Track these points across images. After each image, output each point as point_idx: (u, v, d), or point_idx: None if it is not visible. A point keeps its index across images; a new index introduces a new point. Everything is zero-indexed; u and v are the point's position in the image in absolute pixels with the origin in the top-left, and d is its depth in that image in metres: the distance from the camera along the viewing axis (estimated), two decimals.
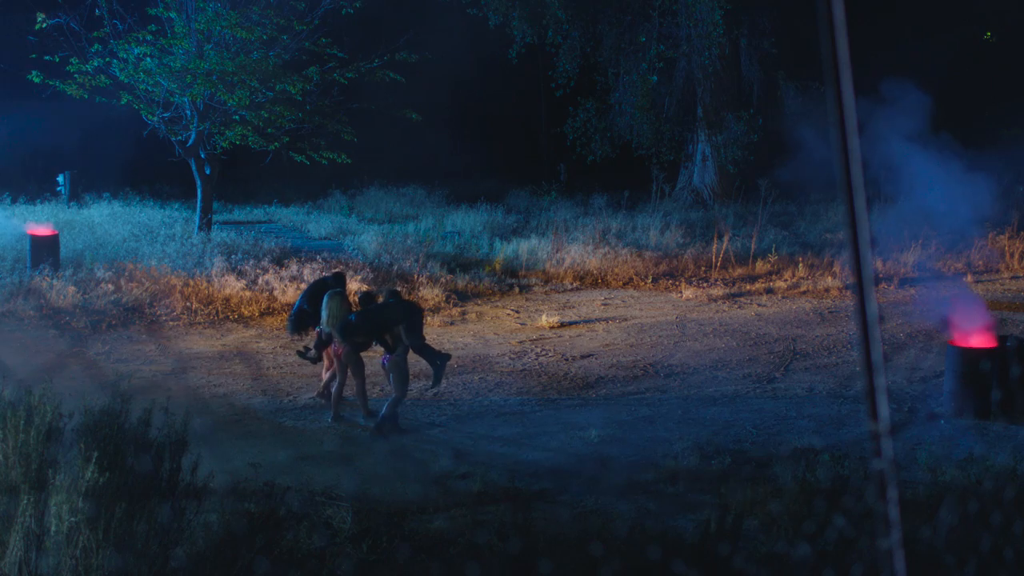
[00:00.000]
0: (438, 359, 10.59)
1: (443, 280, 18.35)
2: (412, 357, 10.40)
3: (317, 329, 11.10)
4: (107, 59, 19.01)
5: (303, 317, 11.32)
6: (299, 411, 10.85)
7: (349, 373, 10.61)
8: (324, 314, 10.68)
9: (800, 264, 19.88)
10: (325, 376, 11.20)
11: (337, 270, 13.51)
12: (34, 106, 22.80)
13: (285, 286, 16.81)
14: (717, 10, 25.84)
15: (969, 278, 19.07)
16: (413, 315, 10.34)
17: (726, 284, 18.91)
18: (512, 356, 13.51)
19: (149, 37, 18.93)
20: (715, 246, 20.68)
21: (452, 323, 15.93)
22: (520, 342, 14.43)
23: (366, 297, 10.85)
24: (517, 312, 16.61)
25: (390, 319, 10.19)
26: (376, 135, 24.33)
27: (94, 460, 5.48)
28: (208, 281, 16.65)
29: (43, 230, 17.95)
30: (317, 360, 11.10)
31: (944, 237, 19.78)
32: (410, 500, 7.96)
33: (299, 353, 11.18)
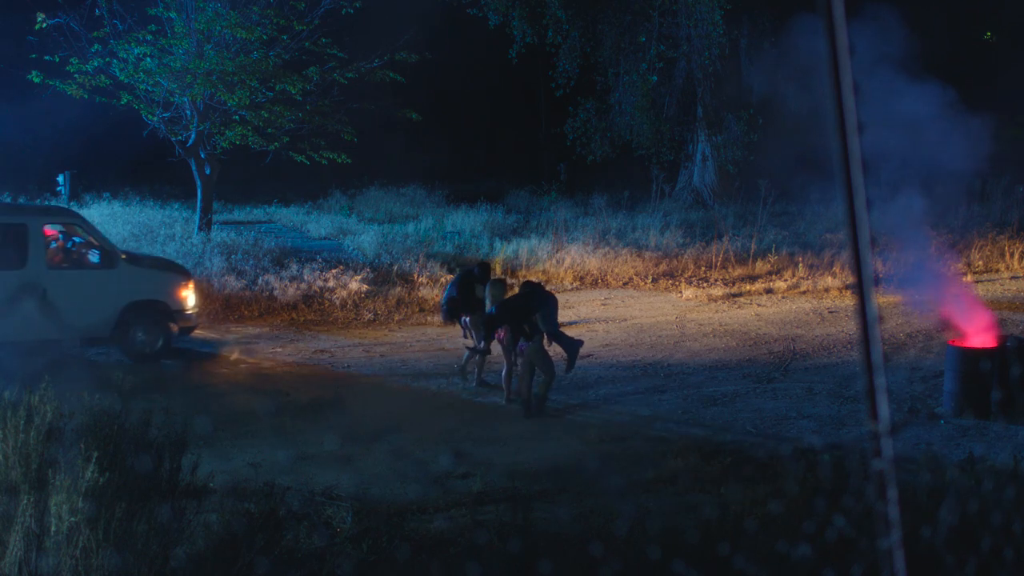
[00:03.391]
0: (572, 345, 11.14)
1: (443, 280, 18.34)
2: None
3: (463, 321, 12.05)
4: (107, 59, 18.99)
5: (454, 306, 12.13)
6: (299, 411, 10.86)
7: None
8: (487, 300, 11.36)
9: (800, 264, 19.87)
10: (469, 364, 12.07)
11: (483, 260, 14.17)
12: (34, 106, 22.77)
13: (285, 286, 16.81)
14: (717, 10, 25.82)
15: (969, 278, 19.06)
16: (549, 304, 10.99)
17: (726, 284, 18.91)
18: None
19: (149, 37, 18.91)
20: (715, 246, 20.68)
21: None
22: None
23: (527, 285, 11.65)
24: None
25: (528, 308, 10.80)
26: (376, 135, 24.31)
27: (94, 460, 5.48)
28: (208, 281, 16.65)
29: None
30: (487, 350, 11.63)
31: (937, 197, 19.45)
32: (410, 500, 7.96)
33: (470, 348, 11.85)
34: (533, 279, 14.03)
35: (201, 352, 14.03)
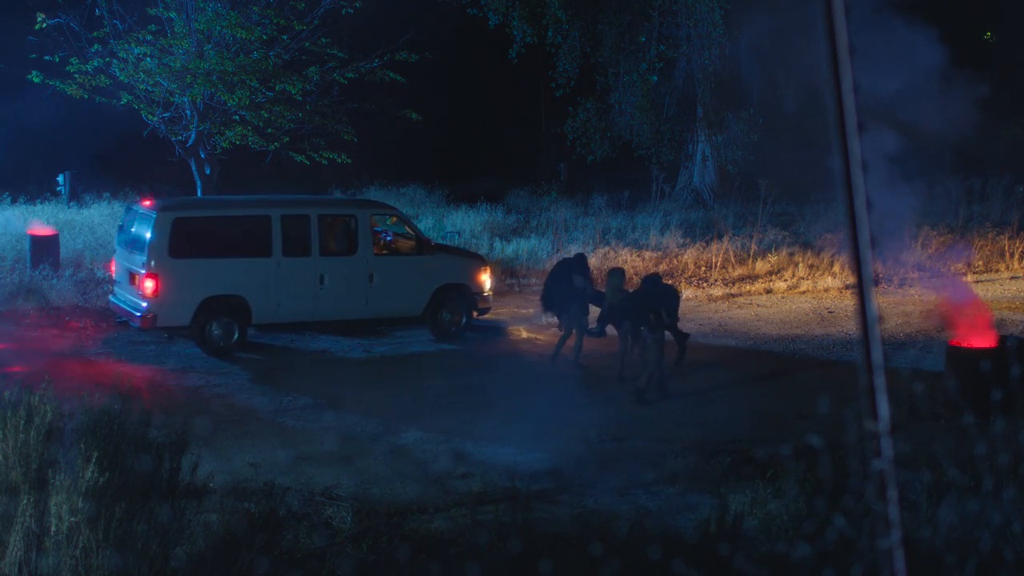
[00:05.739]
0: (684, 337, 12.32)
1: None
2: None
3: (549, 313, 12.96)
4: (107, 59, 18.98)
5: (552, 295, 12.90)
6: (299, 411, 10.86)
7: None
8: (607, 291, 12.04)
9: (800, 264, 19.85)
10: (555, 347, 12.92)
11: (580, 252, 14.62)
12: (34, 106, 22.76)
13: None
14: (717, 10, 25.80)
15: (969, 278, 19.05)
16: (674, 297, 11.65)
17: (726, 284, 18.90)
18: (510, 357, 13.50)
19: (149, 37, 18.90)
20: (715, 246, 20.67)
21: None
22: (519, 342, 14.42)
23: (651, 278, 12.33)
24: (517, 312, 16.60)
25: (655, 300, 11.25)
26: (376, 135, 24.29)
27: (94, 460, 5.48)
28: None
29: (42, 230, 17.95)
30: (602, 334, 12.42)
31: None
32: (410, 500, 7.96)
33: (588, 332, 12.59)
34: (656, 271, 14.90)
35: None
